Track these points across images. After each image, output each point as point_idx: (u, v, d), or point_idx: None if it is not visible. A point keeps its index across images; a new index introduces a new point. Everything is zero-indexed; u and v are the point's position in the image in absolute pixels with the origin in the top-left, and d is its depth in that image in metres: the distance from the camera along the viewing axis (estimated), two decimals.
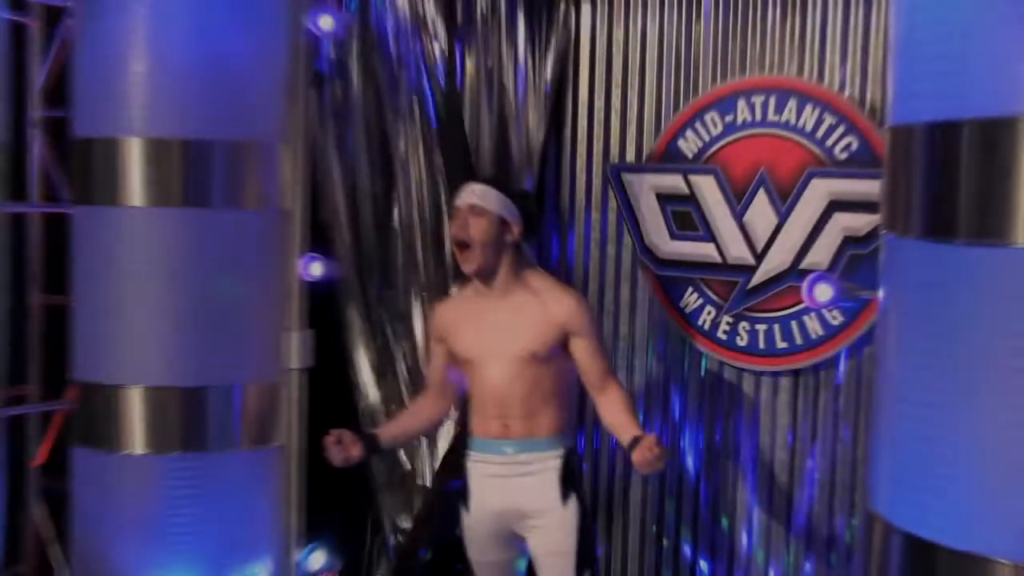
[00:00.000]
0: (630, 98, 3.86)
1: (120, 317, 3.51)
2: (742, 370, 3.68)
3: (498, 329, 3.16)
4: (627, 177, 3.84)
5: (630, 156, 3.86)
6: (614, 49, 3.88)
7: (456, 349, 3.25)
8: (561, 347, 3.15)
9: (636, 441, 2.94)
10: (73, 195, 3.71)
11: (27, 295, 4.14)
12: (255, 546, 3.67)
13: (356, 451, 3.21)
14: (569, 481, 3.15)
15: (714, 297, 3.70)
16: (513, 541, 3.25)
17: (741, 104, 3.62)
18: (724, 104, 3.65)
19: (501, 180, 3.44)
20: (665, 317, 3.81)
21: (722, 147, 3.66)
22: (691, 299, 3.75)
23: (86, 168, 3.58)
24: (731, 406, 3.70)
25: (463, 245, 3.15)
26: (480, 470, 3.22)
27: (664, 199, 3.77)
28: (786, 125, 3.54)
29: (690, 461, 3.78)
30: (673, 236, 3.76)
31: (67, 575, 4.00)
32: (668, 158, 3.76)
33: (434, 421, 3.47)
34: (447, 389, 3.38)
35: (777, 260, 3.57)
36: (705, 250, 3.70)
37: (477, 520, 3.25)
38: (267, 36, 3.61)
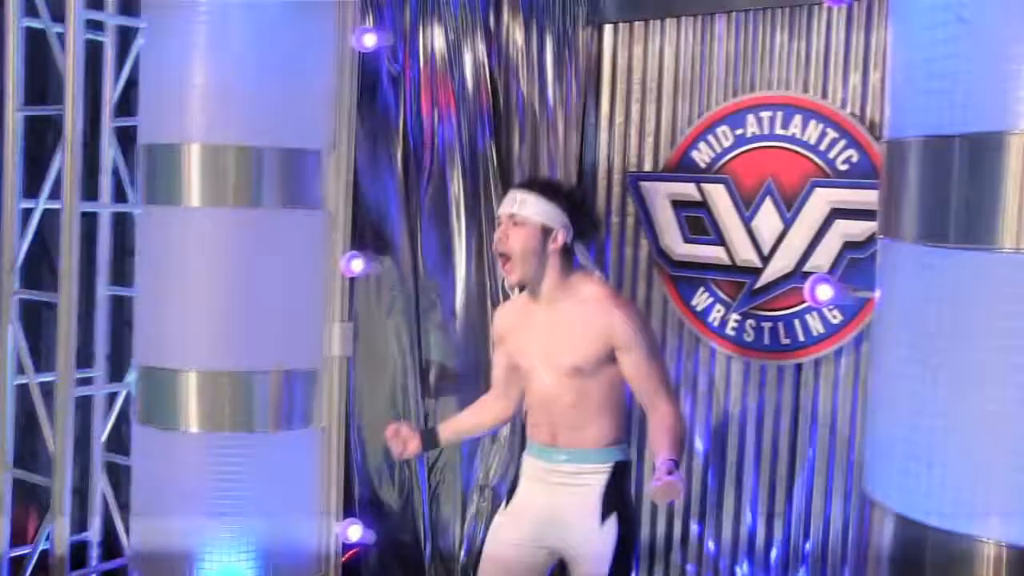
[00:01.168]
0: (648, 113, 3.86)
1: (178, 307, 3.56)
2: (748, 364, 3.67)
3: (544, 339, 2.87)
4: (644, 185, 3.84)
5: (647, 166, 3.87)
6: (633, 68, 3.89)
7: (510, 354, 3.01)
8: (610, 359, 2.81)
9: (667, 462, 2.63)
10: (139, 196, 3.77)
11: (95, 286, 4.21)
12: (298, 518, 3.71)
13: (414, 445, 3.05)
14: (613, 498, 2.82)
15: (723, 296, 3.71)
16: (538, 557, 2.92)
17: (750, 119, 3.62)
18: (735, 119, 3.65)
19: (545, 183, 3.02)
20: (678, 314, 3.81)
21: (732, 158, 3.66)
22: (702, 298, 3.75)
23: (150, 171, 3.64)
24: (738, 397, 3.70)
25: (505, 256, 2.86)
26: (529, 472, 2.96)
27: (678, 205, 3.78)
28: (792, 138, 3.54)
29: (699, 446, 3.78)
30: (686, 240, 3.77)
31: (129, 542, 4.05)
32: (682, 168, 3.76)
33: (496, 421, 3.20)
34: (510, 390, 3.08)
35: (782, 263, 3.57)
36: (715, 253, 3.70)
37: (512, 519, 2.96)
38: (316, 53, 3.65)
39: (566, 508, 2.86)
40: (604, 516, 2.81)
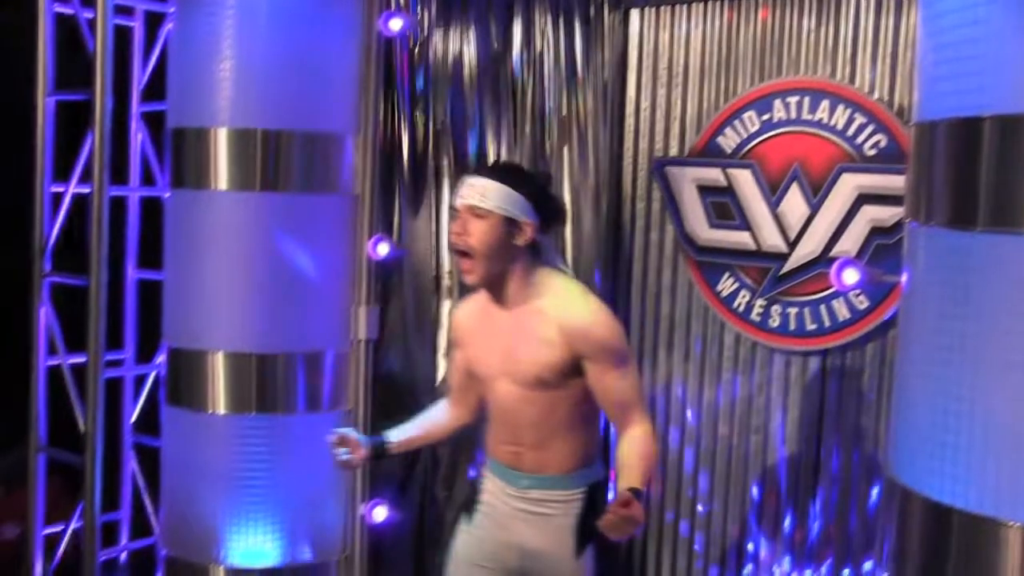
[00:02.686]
0: (674, 98, 3.81)
1: (206, 289, 3.57)
2: (774, 350, 3.63)
3: (506, 346, 2.50)
4: (670, 170, 3.80)
5: (673, 151, 3.82)
6: (660, 53, 3.84)
7: (468, 360, 2.66)
8: (578, 370, 2.45)
9: (624, 493, 2.26)
10: (167, 179, 3.78)
11: (124, 269, 4.22)
12: (323, 499, 3.71)
13: (361, 454, 2.67)
14: (589, 528, 2.45)
15: (749, 282, 3.66)
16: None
17: (777, 104, 3.56)
18: (761, 104, 3.60)
19: (507, 169, 2.63)
20: (703, 300, 3.77)
21: (759, 143, 3.61)
22: (727, 284, 3.70)
23: (178, 155, 3.64)
24: (763, 383, 3.65)
25: (464, 254, 2.46)
26: (492, 489, 2.63)
27: (704, 191, 3.73)
28: (819, 123, 3.48)
29: (723, 431, 3.73)
30: (712, 225, 3.72)
31: (157, 521, 4.08)
32: (708, 153, 3.71)
33: (452, 430, 2.85)
34: (468, 397, 2.75)
35: (808, 248, 3.51)
36: (741, 238, 3.65)
37: (475, 539, 2.64)
38: (341, 37, 3.64)
39: (534, 539, 2.53)
40: (579, 548, 2.48)
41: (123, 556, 4.25)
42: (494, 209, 2.44)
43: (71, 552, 4.12)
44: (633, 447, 2.41)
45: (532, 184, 2.52)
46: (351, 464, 2.69)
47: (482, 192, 2.45)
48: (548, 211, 2.52)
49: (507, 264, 2.45)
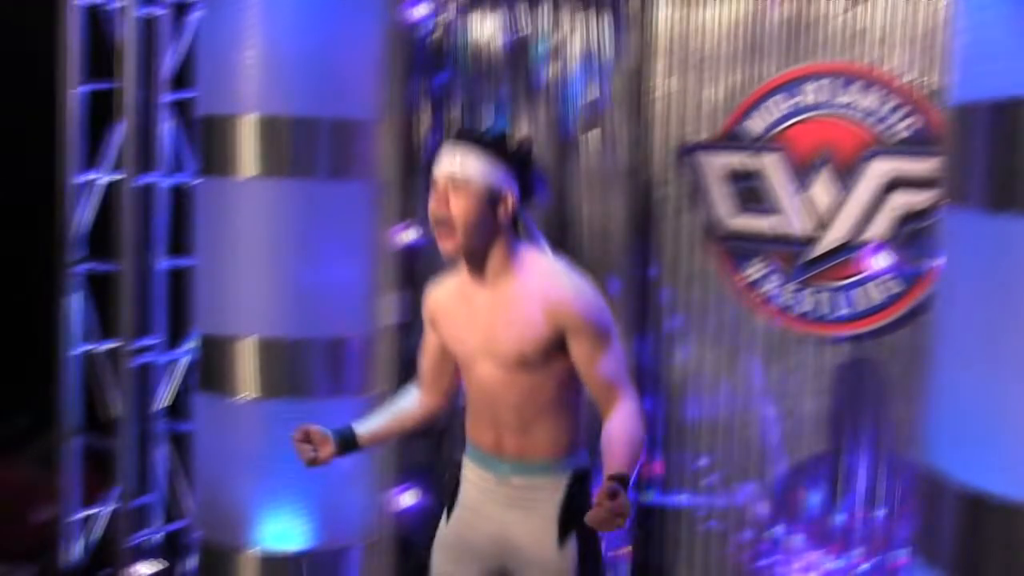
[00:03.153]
0: (702, 82, 3.76)
1: (236, 276, 3.56)
2: (803, 335, 3.58)
3: (485, 325, 2.32)
4: (698, 155, 3.75)
5: (701, 136, 3.78)
6: (688, 36, 3.79)
7: (445, 342, 2.46)
8: (562, 348, 2.29)
9: (610, 483, 2.09)
10: (196, 167, 3.77)
11: (154, 256, 4.23)
12: (353, 483, 3.71)
13: (327, 451, 2.44)
14: (572, 515, 2.29)
15: (778, 267, 3.61)
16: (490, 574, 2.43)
17: (806, 87, 3.51)
18: (789, 88, 3.55)
19: (489, 136, 2.34)
20: (731, 286, 3.73)
21: (788, 127, 3.56)
22: (756, 269, 3.66)
23: (207, 143, 3.63)
24: (794, 370, 3.61)
25: (443, 225, 2.27)
26: (472, 479, 2.45)
27: (732, 176, 3.68)
28: (848, 107, 3.43)
29: (752, 416, 3.70)
30: (740, 210, 3.68)
31: (189, 506, 4.09)
32: (735, 138, 3.66)
33: (423, 419, 2.60)
34: (441, 382, 2.54)
35: (838, 233, 3.47)
36: (770, 223, 3.60)
37: (453, 536, 2.47)
38: (367, 24, 3.61)
39: (515, 527, 2.36)
40: (562, 536, 2.31)
41: (156, 539, 4.27)
42: (475, 179, 2.25)
43: (106, 535, 4.15)
44: (617, 429, 2.25)
45: (516, 153, 2.33)
46: (317, 461, 2.45)
47: (463, 162, 2.26)
48: (529, 182, 2.35)
49: (489, 238, 2.28)
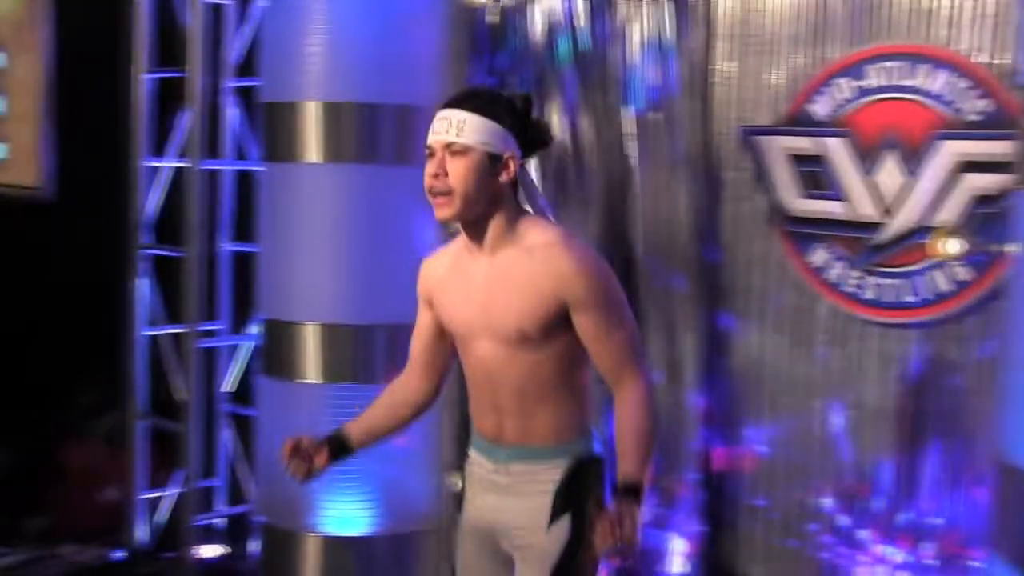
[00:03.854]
0: (764, 65, 3.71)
1: (300, 261, 3.59)
2: (869, 322, 3.52)
3: (484, 298, 2.18)
4: (761, 139, 3.70)
5: (764, 119, 3.72)
6: (750, 19, 3.73)
7: (441, 319, 2.31)
8: (565, 323, 2.14)
9: (619, 488, 2.00)
10: (260, 153, 3.80)
11: (219, 242, 4.28)
12: (415, 469, 3.72)
13: (321, 460, 2.31)
14: (568, 497, 2.18)
15: (842, 253, 3.55)
16: (505, 564, 2.31)
17: (872, 69, 3.44)
18: (855, 69, 3.48)
19: (485, 97, 2.19)
20: (794, 271, 3.67)
21: (853, 110, 3.49)
22: (820, 255, 3.60)
23: (271, 129, 3.66)
24: (859, 358, 3.54)
25: (443, 195, 2.12)
26: (475, 472, 2.34)
27: (795, 159, 3.62)
28: (916, 89, 3.35)
29: (817, 404, 3.64)
30: (803, 195, 3.62)
31: (252, 488, 4.14)
32: (799, 122, 3.60)
33: (417, 408, 2.43)
34: (435, 363, 2.39)
35: (905, 218, 3.39)
36: (834, 208, 3.54)
37: (469, 527, 2.36)
38: (428, 10, 3.62)
39: (508, 513, 2.25)
40: (554, 517, 2.18)
41: (219, 522, 4.33)
42: (474, 145, 2.10)
43: (171, 516, 4.21)
44: (630, 412, 2.13)
45: (512, 111, 2.17)
46: (311, 473, 2.31)
47: (459, 126, 2.10)
48: (532, 137, 2.20)
49: (489, 205, 2.13)
